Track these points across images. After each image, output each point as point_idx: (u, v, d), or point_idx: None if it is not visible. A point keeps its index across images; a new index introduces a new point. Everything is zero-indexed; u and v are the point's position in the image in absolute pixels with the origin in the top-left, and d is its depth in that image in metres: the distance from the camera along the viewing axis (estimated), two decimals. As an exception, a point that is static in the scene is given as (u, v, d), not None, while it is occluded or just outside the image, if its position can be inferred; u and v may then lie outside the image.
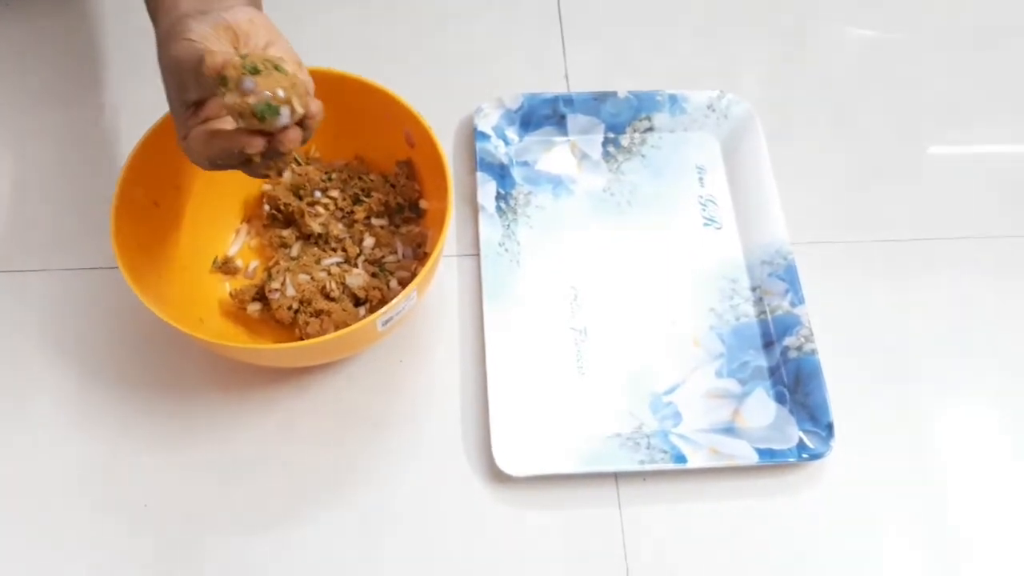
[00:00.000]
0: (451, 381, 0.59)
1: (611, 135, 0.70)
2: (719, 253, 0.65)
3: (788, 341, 0.60)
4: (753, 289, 0.63)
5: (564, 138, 0.70)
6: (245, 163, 0.46)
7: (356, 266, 0.61)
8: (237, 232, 0.64)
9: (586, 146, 0.70)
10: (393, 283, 0.60)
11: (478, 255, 0.63)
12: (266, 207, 0.63)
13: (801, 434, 0.56)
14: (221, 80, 0.42)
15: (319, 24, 0.76)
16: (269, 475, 0.56)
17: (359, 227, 0.62)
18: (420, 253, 0.62)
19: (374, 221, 0.63)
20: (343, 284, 0.59)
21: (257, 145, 0.44)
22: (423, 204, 0.63)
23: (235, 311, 0.60)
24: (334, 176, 0.63)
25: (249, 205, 0.65)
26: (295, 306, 0.58)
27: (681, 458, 0.55)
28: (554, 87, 0.73)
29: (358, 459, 0.57)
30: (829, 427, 0.56)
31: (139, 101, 0.68)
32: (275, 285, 0.58)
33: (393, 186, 0.63)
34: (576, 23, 0.77)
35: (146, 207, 0.57)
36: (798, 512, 0.55)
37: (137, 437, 0.57)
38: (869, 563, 0.54)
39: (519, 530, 0.54)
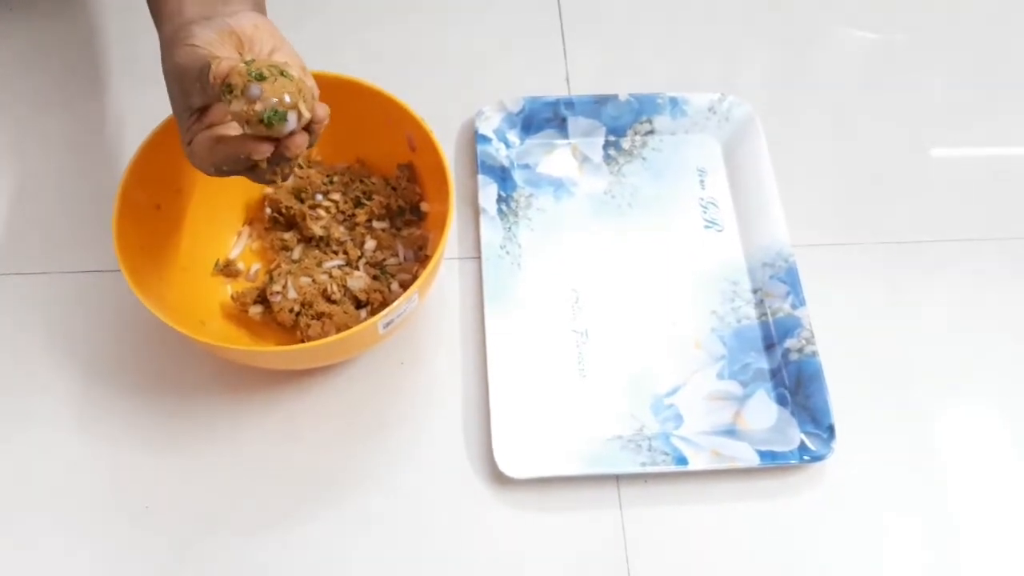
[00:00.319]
0: (452, 383, 0.59)
1: (612, 138, 0.70)
2: (720, 255, 0.65)
3: (789, 343, 0.60)
4: (754, 291, 0.63)
5: (565, 141, 0.70)
6: (251, 169, 0.45)
7: (357, 269, 0.61)
8: (239, 235, 0.64)
9: (587, 149, 0.70)
10: (394, 286, 0.60)
11: (479, 258, 0.63)
12: (268, 210, 0.64)
13: (802, 436, 0.56)
14: (227, 87, 0.42)
15: (320, 28, 0.76)
16: (270, 476, 0.56)
17: (360, 230, 0.62)
18: (421, 256, 0.62)
19: (375, 224, 0.63)
20: (344, 287, 0.59)
21: (264, 151, 0.43)
22: (424, 207, 0.64)
23: (237, 314, 0.60)
24: (336, 179, 0.63)
25: (251, 208, 0.65)
26: (297, 309, 0.58)
27: (682, 460, 0.55)
28: (555, 90, 0.73)
29: (359, 461, 0.57)
30: (830, 429, 0.56)
31: (141, 104, 0.68)
32: (276, 288, 0.58)
33: (394, 189, 0.63)
34: (577, 26, 0.77)
35: (148, 210, 0.57)
36: (799, 514, 0.55)
37: (139, 438, 0.57)
38: (870, 565, 0.54)
39: (520, 532, 0.54)
